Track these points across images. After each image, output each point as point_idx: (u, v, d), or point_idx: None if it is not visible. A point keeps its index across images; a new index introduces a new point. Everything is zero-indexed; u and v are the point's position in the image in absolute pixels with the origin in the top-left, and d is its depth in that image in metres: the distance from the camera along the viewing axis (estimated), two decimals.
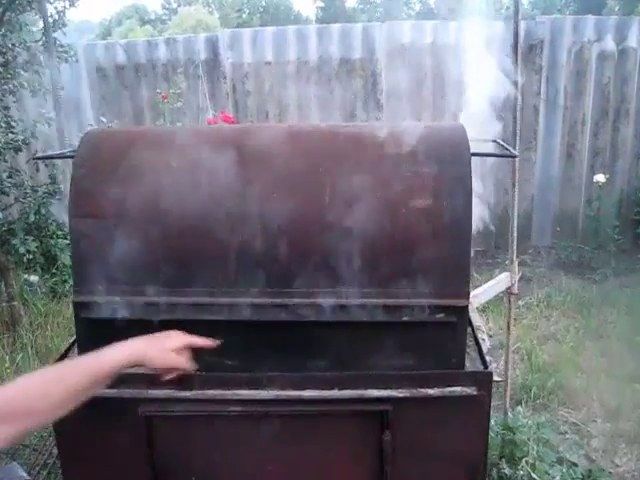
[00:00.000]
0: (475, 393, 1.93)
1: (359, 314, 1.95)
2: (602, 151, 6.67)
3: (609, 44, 6.45)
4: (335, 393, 1.95)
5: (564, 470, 2.80)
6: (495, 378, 1.96)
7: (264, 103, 6.92)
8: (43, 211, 4.78)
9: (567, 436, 3.58)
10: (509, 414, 3.05)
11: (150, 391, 1.99)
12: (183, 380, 1.95)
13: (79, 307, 2.06)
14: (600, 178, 6.13)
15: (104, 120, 5.54)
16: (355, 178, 1.97)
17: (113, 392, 1.99)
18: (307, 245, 1.93)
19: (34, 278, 5.12)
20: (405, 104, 6.79)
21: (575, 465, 3.02)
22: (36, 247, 4.71)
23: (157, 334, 1.87)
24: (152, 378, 1.99)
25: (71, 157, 2.13)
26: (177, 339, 1.87)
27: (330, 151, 2.04)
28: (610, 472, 3.15)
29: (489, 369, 1.99)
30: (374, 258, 1.93)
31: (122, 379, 2.01)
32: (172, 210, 1.98)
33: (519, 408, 3.21)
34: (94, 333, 2.05)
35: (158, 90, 6.29)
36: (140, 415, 2.00)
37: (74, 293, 2.06)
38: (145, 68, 6.99)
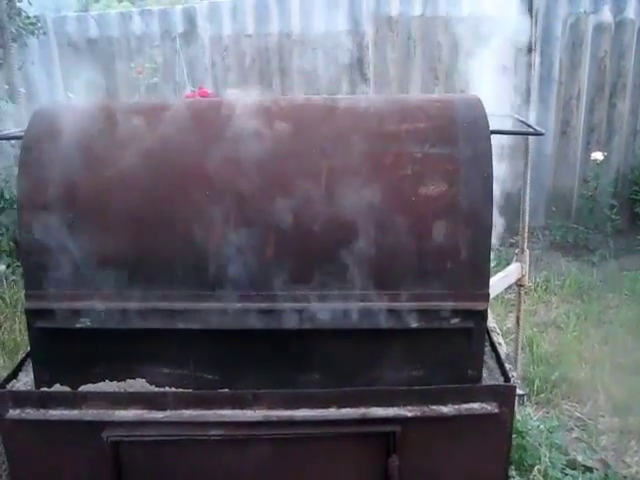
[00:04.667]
0: (496, 410, 1.66)
1: (360, 320, 1.67)
2: (597, 128, 6.43)
3: (606, 15, 6.19)
4: (333, 413, 1.67)
5: (579, 478, 2.55)
6: (519, 392, 1.69)
7: (245, 78, 6.58)
8: (7, 195, 4.44)
9: (574, 434, 3.34)
10: (517, 416, 2.79)
11: (117, 412, 1.71)
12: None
13: (33, 315, 1.76)
14: (598, 156, 5.88)
15: (72, 97, 5.19)
16: (355, 162, 1.67)
17: (74, 414, 1.71)
18: (299, 242, 1.63)
19: (1, 267, 4.80)
20: (393, 78, 6.49)
21: (590, 470, 2.78)
22: (1, 234, 4.40)
23: None
24: (118, 397, 1.71)
25: (19, 138, 1.82)
26: None
27: (326, 129, 1.73)
28: (625, 477, 2.91)
29: (512, 382, 1.71)
30: (377, 255, 1.64)
31: (84, 398, 1.73)
32: (139, 201, 1.68)
33: (528, 409, 2.95)
34: (51, 344, 1.78)
35: (133, 65, 5.96)
36: (105, 440, 1.71)
37: (26, 299, 1.76)
38: (119, 42, 6.64)
